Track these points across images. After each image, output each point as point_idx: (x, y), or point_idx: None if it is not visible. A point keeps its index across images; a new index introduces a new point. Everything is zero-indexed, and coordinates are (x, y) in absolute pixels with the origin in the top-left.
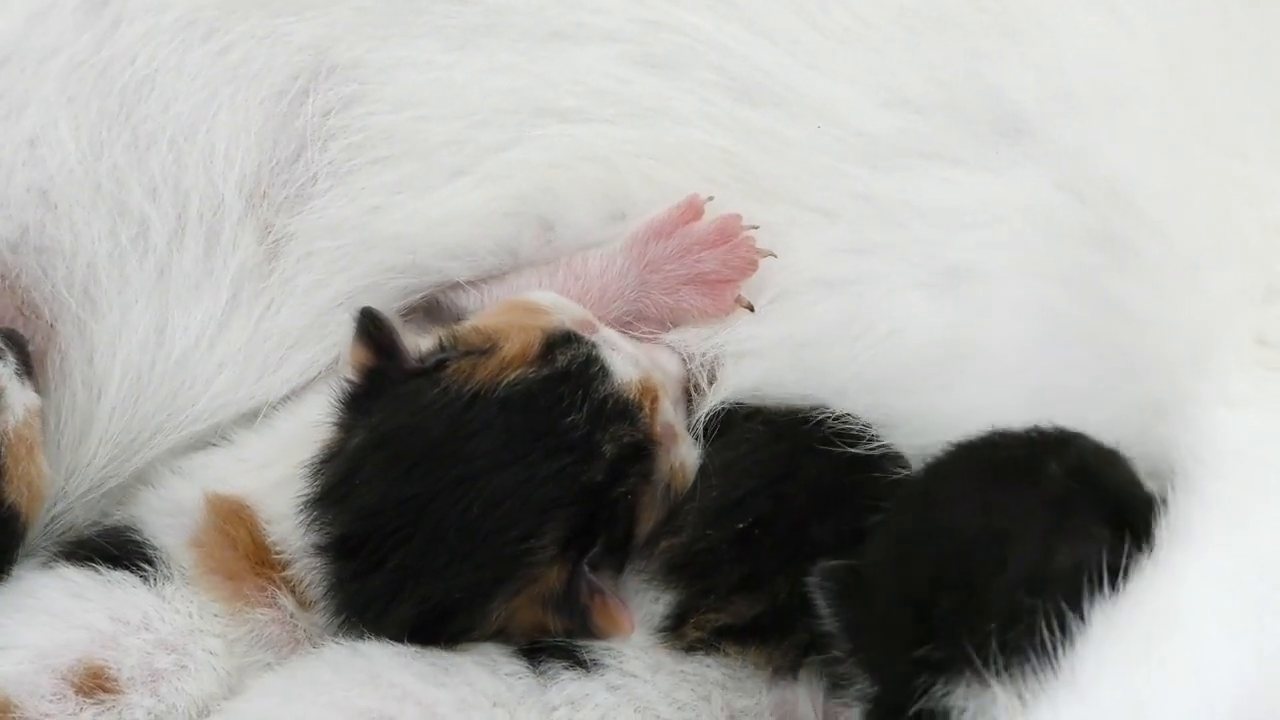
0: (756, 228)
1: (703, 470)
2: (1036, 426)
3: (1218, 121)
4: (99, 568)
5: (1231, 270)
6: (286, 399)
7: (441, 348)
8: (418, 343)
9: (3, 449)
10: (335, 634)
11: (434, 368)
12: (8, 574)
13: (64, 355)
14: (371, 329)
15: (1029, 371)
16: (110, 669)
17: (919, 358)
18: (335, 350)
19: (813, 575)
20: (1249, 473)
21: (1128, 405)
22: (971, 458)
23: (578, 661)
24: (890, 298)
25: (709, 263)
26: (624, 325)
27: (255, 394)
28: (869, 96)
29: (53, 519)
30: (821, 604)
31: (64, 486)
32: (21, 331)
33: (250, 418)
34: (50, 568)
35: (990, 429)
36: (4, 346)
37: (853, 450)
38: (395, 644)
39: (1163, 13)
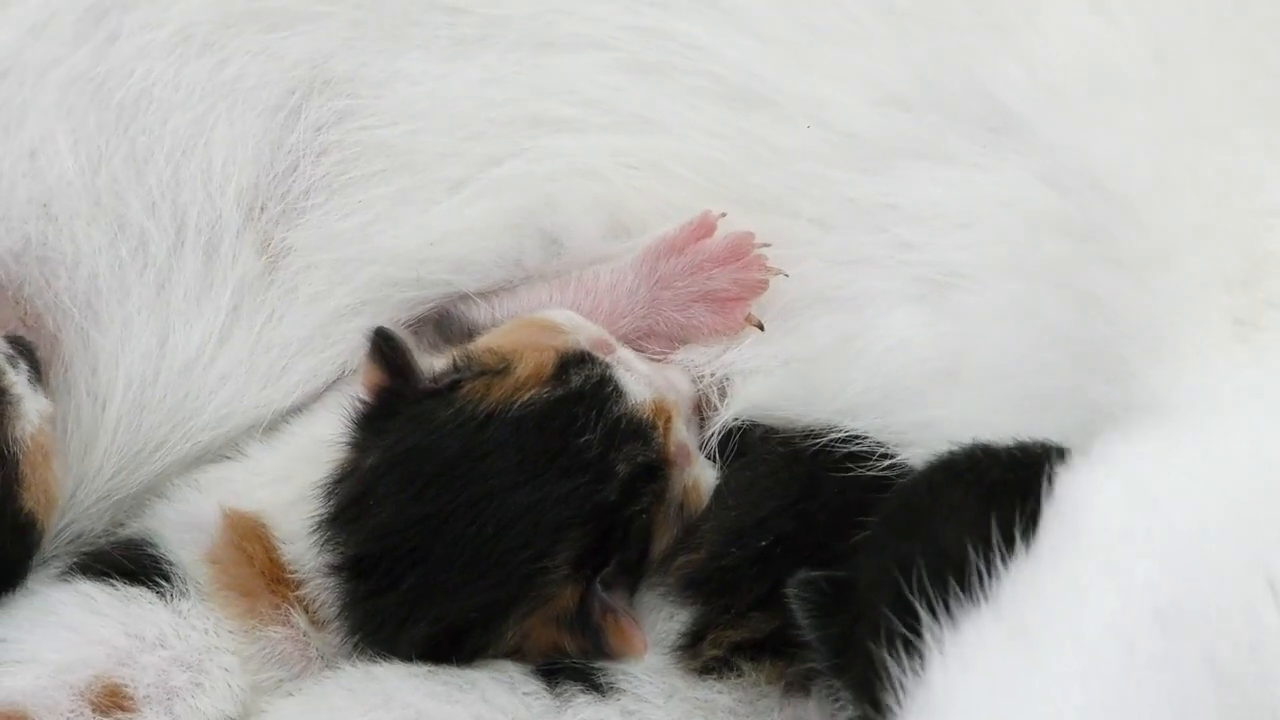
0: (768, 245)
1: (717, 490)
2: (1020, 444)
3: (1208, 114)
4: (115, 583)
5: (1211, 256)
6: (295, 411)
7: (455, 368)
8: (432, 362)
9: (21, 457)
10: (350, 654)
11: (448, 388)
12: (23, 582)
13: (68, 366)
14: (385, 349)
15: (1015, 377)
16: (127, 687)
17: (915, 372)
18: (340, 360)
19: (790, 586)
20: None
21: (1103, 407)
22: (960, 479)
23: (594, 685)
24: (884, 311)
25: (720, 280)
26: (633, 342)
27: (260, 404)
28: (860, 96)
29: (63, 528)
30: (800, 615)
31: (73, 497)
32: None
33: (260, 429)
34: (67, 581)
35: (972, 445)
36: (15, 354)
37: (870, 471)
38: (409, 664)
39: (1151, 6)
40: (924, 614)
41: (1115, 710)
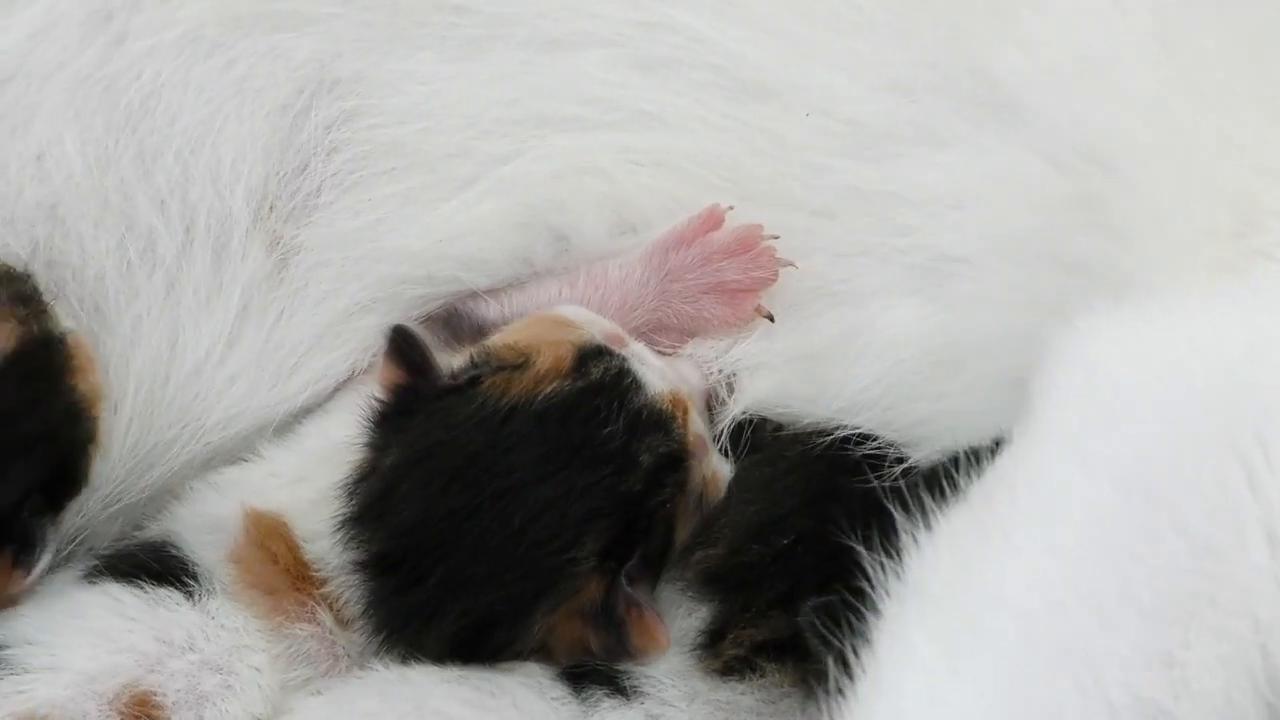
0: (777, 237)
1: (736, 484)
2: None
3: (1210, 85)
4: (144, 585)
5: (1201, 213)
6: (305, 410)
7: (474, 364)
8: (450, 360)
9: (69, 342)
10: (375, 652)
11: (468, 384)
12: (87, 483)
13: None
14: (404, 346)
15: (1012, 358)
16: (156, 695)
17: (917, 366)
18: (351, 358)
19: (802, 615)
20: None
21: None
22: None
23: (619, 689)
24: (887, 306)
25: (730, 272)
26: (644, 335)
27: (270, 403)
28: (861, 84)
29: (74, 534)
30: (813, 643)
31: (84, 500)
32: None
33: (271, 429)
34: (94, 583)
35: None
36: None
37: (886, 480)
38: (441, 668)
39: None
40: (899, 516)
41: (1079, 577)
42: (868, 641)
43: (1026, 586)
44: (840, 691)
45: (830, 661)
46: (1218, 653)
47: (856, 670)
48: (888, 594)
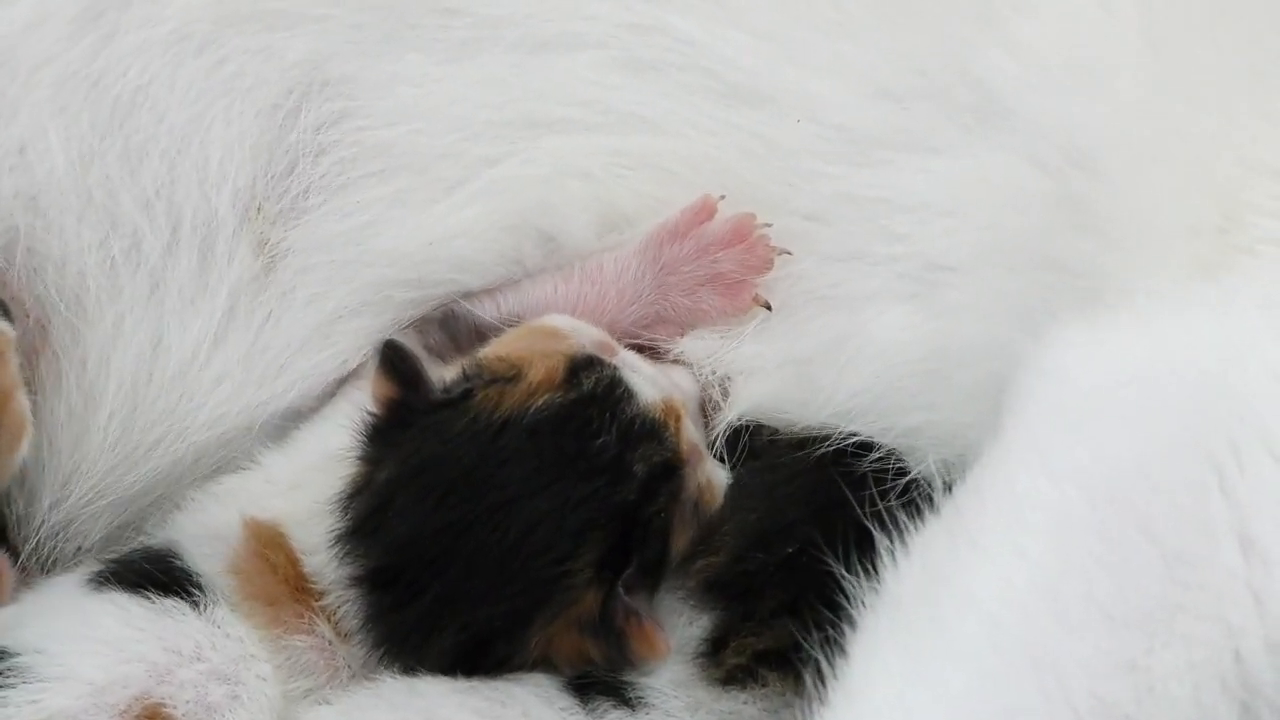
0: (770, 225)
1: (736, 491)
2: None
3: (1201, 87)
4: (151, 596)
5: (1185, 210)
6: (296, 412)
7: (466, 377)
8: (442, 372)
9: None
10: (377, 665)
11: (461, 397)
12: None
13: (57, 356)
14: (395, 360)
15: (1002, 373)
16: (165, 706)
17: (907, 373)
18: (340, 359)
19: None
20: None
21: None
22: None
23: (624, 700)
24: (878, 313)
25: (726, 263)
26: (641, 329)
27: (256, 403)
28: (851, 90)
29: (61, 529)
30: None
31: (62, 490)
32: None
33: (259, 430)
34: (101, 591)
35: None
36: None
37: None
38: (450, 679)
39: None
40: (876, 530)
41: (1044, 583)
42: (844, 651)
43: (992, 593)
44: (815, 701)
45: (807, 673)
46: (1187, 658)
47: (830, 678)
48: (864, 604)
